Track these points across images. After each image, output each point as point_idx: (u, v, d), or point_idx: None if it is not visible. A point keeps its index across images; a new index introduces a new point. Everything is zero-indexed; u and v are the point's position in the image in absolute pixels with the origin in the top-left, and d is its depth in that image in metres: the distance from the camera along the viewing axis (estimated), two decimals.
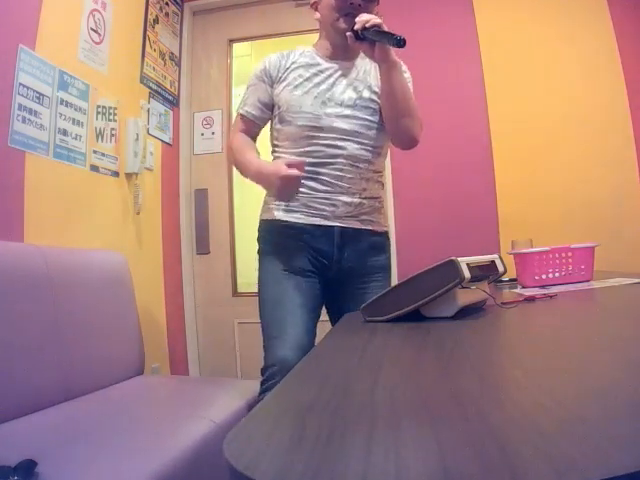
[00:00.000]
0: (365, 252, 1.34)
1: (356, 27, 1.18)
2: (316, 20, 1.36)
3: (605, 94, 2.24)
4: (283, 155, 1.33)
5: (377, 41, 1.17)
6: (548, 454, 0.27)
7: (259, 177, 1.23)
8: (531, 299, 1.01)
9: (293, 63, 1.34)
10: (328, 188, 1.29)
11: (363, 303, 0.92)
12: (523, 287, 1.29)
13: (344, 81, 1.32)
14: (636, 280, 1.18)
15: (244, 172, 1.31)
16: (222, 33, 2.66)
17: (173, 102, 2.49)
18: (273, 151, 1.39)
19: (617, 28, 2.23)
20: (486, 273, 0.93)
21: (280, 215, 1.32)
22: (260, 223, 1.38)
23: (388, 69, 1.22)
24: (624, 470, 0.24)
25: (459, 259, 0.81)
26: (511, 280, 1.48)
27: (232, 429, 0.36)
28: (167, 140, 2.42)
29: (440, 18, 2.42)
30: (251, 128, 1.36)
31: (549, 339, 0.64)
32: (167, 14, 2.45)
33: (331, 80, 1.32)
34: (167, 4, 2.45)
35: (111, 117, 1.93)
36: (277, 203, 1.33)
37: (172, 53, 2.49)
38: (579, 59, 2.28)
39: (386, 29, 1.15)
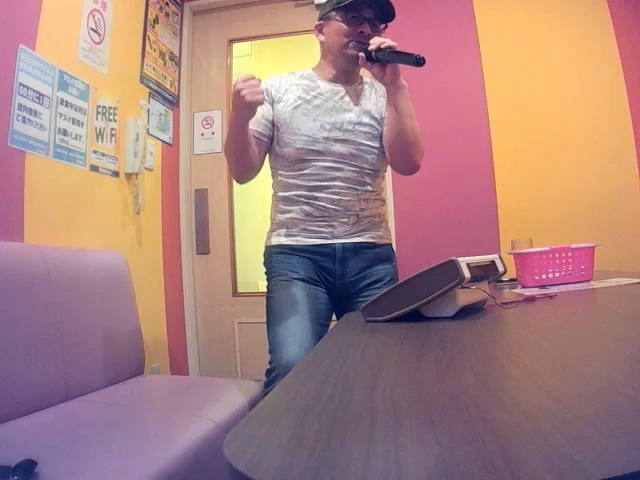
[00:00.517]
0: (368, 264, 1.35)
1: (370, 48, 1.18)
2: (320, 42, 1.36)
3: (605, 94, 2.24)
4: (282, 178, 1.34)
5: (393, 62, 1.17)
6: (548, 454, 0.27)
7: (233, 105, 1.16)
8: (531, 299, 1.01)
9: (292, 85, 1.34)
10: (324, 213, 1.30)
11: None
12: (523, 287, 1.29)
13: (343, 105, 1.32)
14: (636, 280, 1.18)
15: (230, 133, 1.24)
16: (222, 33, 2.66)
17: (173, 102, 2.49)
18: (272, 174, 1.40)
19: (617, 28, 2.23)
20: (486, 273, 0.93)
21: (282, 240, 1.34)
22: (265, 250, 1.40)
23: (396, 92, 1.22)
24: (624, 470, 0.24)
25: (459, 259, 0.81)
26: (511, 280, 1.48)
27: (232, 429, 0.36)
28: (167, 140, 2.41)
29: (440, 18, 2.42)
30: (257, 145, 1.30)
31: (549, 339, 0.64)
32: (167, 14, 2.45)
33: (330, 104, 1.32)
34: (167, 4, 2.45)
35: (111, 117, 1.93)
36: (278, 230, 1.36)
37: (172, 53, 2.49)
38: (579, 59, 2.28)
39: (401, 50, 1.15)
